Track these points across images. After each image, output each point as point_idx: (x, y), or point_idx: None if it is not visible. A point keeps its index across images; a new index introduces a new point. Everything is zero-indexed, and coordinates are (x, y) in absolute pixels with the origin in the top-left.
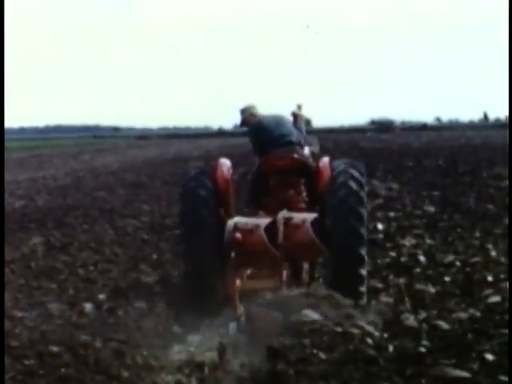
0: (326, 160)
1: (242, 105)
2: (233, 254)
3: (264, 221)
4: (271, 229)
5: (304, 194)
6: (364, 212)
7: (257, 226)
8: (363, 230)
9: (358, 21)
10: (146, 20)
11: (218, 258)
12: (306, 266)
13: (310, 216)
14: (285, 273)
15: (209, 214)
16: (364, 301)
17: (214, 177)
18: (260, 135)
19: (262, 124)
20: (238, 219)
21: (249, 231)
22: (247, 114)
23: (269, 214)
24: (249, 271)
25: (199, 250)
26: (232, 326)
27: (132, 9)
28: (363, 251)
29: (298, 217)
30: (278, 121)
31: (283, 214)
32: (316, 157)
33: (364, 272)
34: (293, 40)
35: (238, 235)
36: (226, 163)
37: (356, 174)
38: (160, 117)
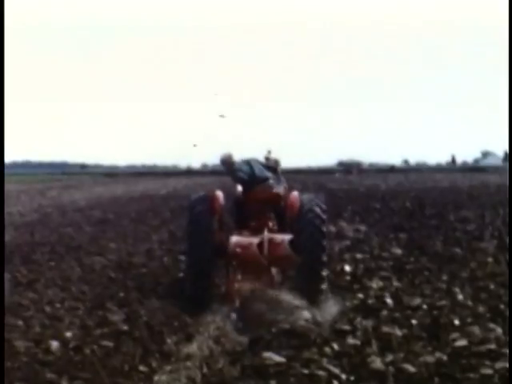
0: (295, 193)
1: (215, 150)
2: (234, 263)
3: (255, 240)
4: (259, 245)
5: (277, 219)
6: (325, 229)
7: (250, 243)
8: (325, 243)
9: (327, 60)
10: (113, 57)
11: (214, 259)
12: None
13: (287, 237)
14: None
15: (208, 225)
16: (324, 297)
17: (212, 203)
18: (243, 176)
19: (243, 168)
20: (236, 238)
21: (245, 246)
22: (227, 162)
23: (251, 233)
24: (241, 275)
25: (200, 252)
26: (233, 315)
27: (98, 49)
28: (324, 258)
29: (278, 237)
30: (254, 163)
31: (267, 235)
32: (287, 191)
33: (324, 274)
34: (262, 79)
35: (238, 249)
36: (220, 194)
37: (319, 202)
38: (127, 154)
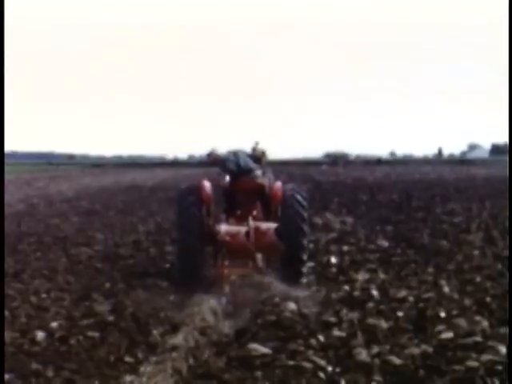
0: (279, 184)
1: (199, 142)
2: (223, 250)
3: (243, 228)
4: (247, 233)
5: (262, 207)
6: (306, 215)
7: (238, 232)
8: (306, 227)
9: (314, 54)
10: (102, 47)
11: (202, 244)
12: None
13: (273, 225)
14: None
15: (197, 214)
16: (303, 280)
17: (199, 191)
18: (230, 167)
19: (229, 160)
20: (225, 227)
21: (234, 235)
22: (213, 156)
23: (237, 222)
24: (229, 262)
25: (190, 241)
26: (222, 299)
27: (86, 42)
28: (305, 242)
29: (264, 226)
30: (240, 155)
31: (253, 224)
32: (271, 182)
33: (305, 257)
34: (247, 71)
35: (228, 237)
36: (208, 184)
37: (300, 190)
38: (115, 145)
